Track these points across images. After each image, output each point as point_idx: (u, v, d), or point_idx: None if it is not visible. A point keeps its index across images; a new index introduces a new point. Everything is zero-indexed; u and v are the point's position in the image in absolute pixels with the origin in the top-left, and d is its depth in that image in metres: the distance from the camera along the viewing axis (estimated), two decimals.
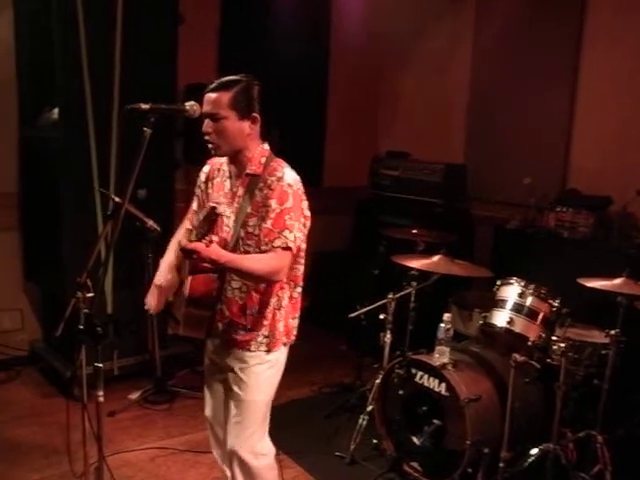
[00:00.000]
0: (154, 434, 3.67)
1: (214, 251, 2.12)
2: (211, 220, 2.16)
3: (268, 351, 2.41)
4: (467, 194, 5.08)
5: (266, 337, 2.40)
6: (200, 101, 2.31)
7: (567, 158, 4.55)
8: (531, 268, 3.49)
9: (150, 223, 2.42)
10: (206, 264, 2.21)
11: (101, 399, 2.19)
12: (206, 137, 2.31)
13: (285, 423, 3.75)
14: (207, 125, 2.28)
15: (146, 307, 2.51)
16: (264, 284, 2.35)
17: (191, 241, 2.12)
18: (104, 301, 4.01)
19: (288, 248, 2.25)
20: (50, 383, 4.17)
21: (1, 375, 4.29)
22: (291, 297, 2.46)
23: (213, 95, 2.27)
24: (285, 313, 2.44)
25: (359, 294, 3.98)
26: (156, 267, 2.56)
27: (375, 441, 3.49)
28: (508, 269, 3.46)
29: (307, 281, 4.71)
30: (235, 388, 2.45)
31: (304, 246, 2.39)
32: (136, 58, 3.90)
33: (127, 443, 3.54)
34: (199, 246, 2.09)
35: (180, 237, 2.50)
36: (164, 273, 2.46)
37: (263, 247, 2.27)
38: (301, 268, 2.46)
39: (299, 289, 2.49)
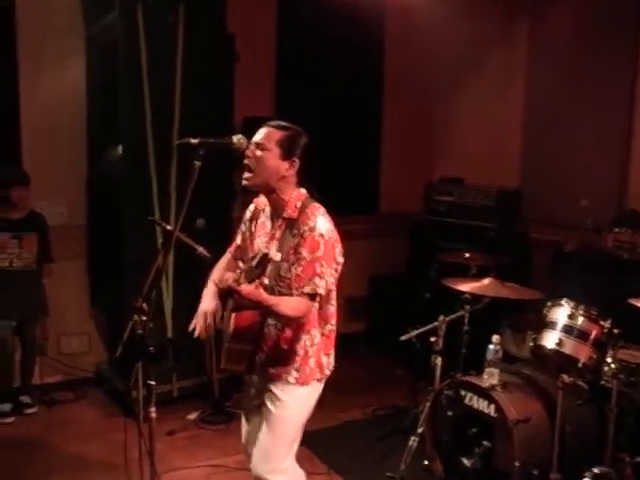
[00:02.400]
0: (210, 453, 3.79)
1: (256, 294, 2.23)
2: (263, 266, 2.27)
3: (300, 385, 2.50)
4: (523, 217, 5.08)
5: (297, 371, 2.50)
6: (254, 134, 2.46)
7: (624, 179, 4.50)
8: (590, 290, 3.46)
9: (200, 250, 2.54)
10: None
11: (153, 415, 2.31)
12: (245, 161, 2.45)
13: (338, 444, 3.83)
14: (251, 150, 2.43)
15: (195, 332, 2.61)
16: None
17: (239, 283, 2.23)
18: (164, 326, 4.19)
19: (317, 294, 2.37)
20: (114, 403, 4.37)
21: (69, 395, 4.53)
22: (322, 334, 2.55)
23: (268, 129, 2.45)
24: (317, 350, 2.53)
25: (413, 318, 4.03)
26: None
27: (425, 462, 3.50)
28: (565, 292, 3.44)
29: (363, 304, 4.76)
30: (269, 405, 2.52)
31: (334, 288, 2.50)
32: (195, 94, 4.13)
33: (183, 461, 3.67)
34: (245, 289, 2.20)
35: (221, 268, 2.67)
36: (209, 300, 2.58)
37: (294, 292, 2.39)
38: (332, 308, 2.56)
39: (329, 327, 2.57)
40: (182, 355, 4.26)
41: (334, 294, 2.53)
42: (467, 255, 4.01)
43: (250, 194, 2.68)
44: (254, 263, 2.33)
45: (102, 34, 4.34)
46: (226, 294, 2.32)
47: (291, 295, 2.40)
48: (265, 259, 2.29)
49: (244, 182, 2.48)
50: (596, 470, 3.00)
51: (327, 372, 2.60)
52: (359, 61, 5.54)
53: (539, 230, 4.98)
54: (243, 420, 2.76)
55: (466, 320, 3.72)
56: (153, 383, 2.32)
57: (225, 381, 4.34)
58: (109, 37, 4.20)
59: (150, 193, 4.07)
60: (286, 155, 2.42)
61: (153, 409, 2.32)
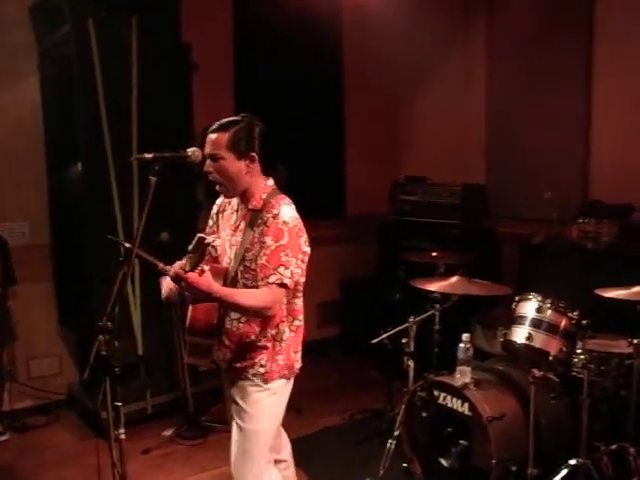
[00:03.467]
0: (187, 469, 3.74)
1: (205, 282, 2.18)
2: (201, 250, 2.19)
3: (265, 381, 2.46)
4: (489, 213, 5.10)
5: (262, 366, 2.45)
6: None
7: (586, 170, 4.55)
8: (558, 282, 3.49)
9: (161, 266, 2.50)
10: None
11: (122, 436, 2.27)
12: (210, 177, 2.43)
13: (317, 451, 3.81)
14: (208, 165, 2.41)
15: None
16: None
17: (185, 270, 2.18)
18: (134, 343, 4.13)
19: (283, 284, 2.31)
20: (87, 425, 4.28)
21: (42, 419, 4.42)
22: (291, 330, 2.51)
23: (213, 136, 2.41)
24: (287, 346, 2.49)
25: (385, 320, 4.02)
26: (181, 307, 2.63)
27: (404, 465, 3.49)
28: (535, 285, 3.46)
29: (336, 308, 4.72)
30: (237, 419, 2.49)
31: (302, 280, 2.45)
32: (153, 107, 4.07)
33: (161, 479, 3.62)
34: (191, 277, 2.15)
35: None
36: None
37: (259, 282, 2.34)
38: (299, 302, 2.52)
39: (297, 322, 2.53)
40: (155, 371, 4.21)
41: (301, 287, 2.49)
42: (434, 254, 4.02)
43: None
44: (190, 247, 2.26)
45: (55, 48, 4.26)
46: (176, 281, 2.23)
47: (257, 287, 2.36)
48: (201, 243, 2.21)
49: (225, 196, 2.51)
50: (572, 462, 3.03)
51: (296, 370, 2.56)
52: (318, 64, 5.54)
53: (506, 225, 5.00)
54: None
55: (437, 319, 3.72)
56: (120, 404, 2.28)
57: (200, 395, 4.31)
58: (62, 51, 4.12)
59: (112, 209, 4.02)
60: (241, 155, 2.40)
61: (122, 430, 2.27)
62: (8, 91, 4.31)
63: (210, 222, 2.69)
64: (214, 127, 2.43)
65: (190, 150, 2.38)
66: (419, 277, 3.70)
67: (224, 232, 2.57)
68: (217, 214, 2.67)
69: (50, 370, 4.62)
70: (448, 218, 4.94)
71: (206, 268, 2.24)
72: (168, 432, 4.12)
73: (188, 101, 4.35)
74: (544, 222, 4.49)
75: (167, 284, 2.50)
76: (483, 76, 5.22)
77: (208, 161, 2.41)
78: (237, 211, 2.54)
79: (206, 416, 4.28)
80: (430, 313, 3.69)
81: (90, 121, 3.95)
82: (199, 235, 2.32)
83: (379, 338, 3.67)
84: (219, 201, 2.67)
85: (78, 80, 3.96)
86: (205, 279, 2.20)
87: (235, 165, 2.40)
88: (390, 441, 3.53)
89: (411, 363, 3.64)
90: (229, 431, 3.97)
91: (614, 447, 3.12)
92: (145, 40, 4.04)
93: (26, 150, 4.43)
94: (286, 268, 2.32)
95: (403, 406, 3.49)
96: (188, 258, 2.20)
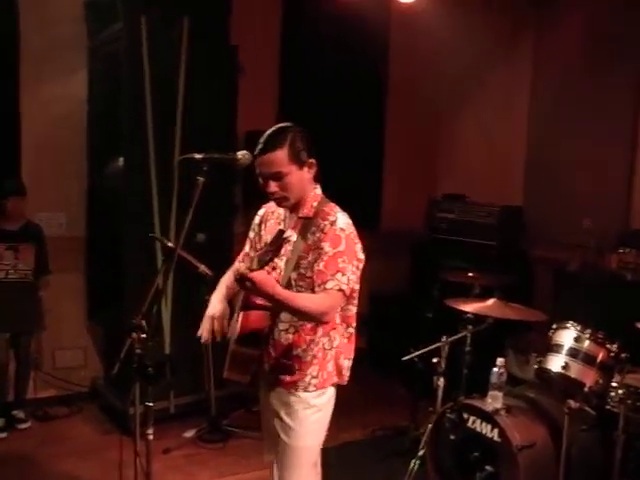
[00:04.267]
0: (206, 473, 3.72)
1: (270, 283, 2.11)
2: (277, 245, 2.13)
3: (317, 390, 2.39)
4: (525, 236, 5.03)
5: (315, 377, 2.39)
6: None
7: (629, 199, 4.46)
8: (592, 311, 3.43)
9: (202, 268, 2.49)
10: (259, 300, 2.24)
11: (150, 437, 2.25)
12: (273, 197, 2.36)
13: (338, 465, 3.72)
14: (272, 186, 2.32)
15: (201, 338, 2.49)
16: (312, 324, 2.36)
17: (251, 270, 2.11)
18: (162, 342, 4.13)
19: (340, 290, 2.26)
20: (109, 420, 4.30)
21: (64, 410, 4.45)
22: (343, 337, 2.45)
23: (269, 156, 2.29)
24: (336, 353, 2.43)
25: (415, 337, 3.97)
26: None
27: None
28: (568, 312, 3.40)
29: (365, 323, 4.73)
30: (282, 434, 2.41)
31: (357, 287, 2.40)
32: (197, 108, 4.10)
33: None
34: (258, 276, 2.07)
35: (231, 275, 2.50)
36: (217, 303, 2.48)
37: (316, 289, 2.28)
38: (354, 309, 2.46)
39: (351, 329, 2.48)
40: (180, 371, 4.20)
41: (357, 294, 2.43)
42: (470, 274, 3.96)
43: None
44: (268, 240, 2.19)
45: (105, 45, 4.31)
46: (239, 282, 2.10)
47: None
48: (280, 237, 2.16)
49: (282, 206, 2.42)
50: None
51: (345, 379, 2.49)
52: (363, 74, 5.52)
53: (541, 249, 4.93)
54: (265, 437, 2.61)
55: (468, 341, 3.66)
56: (151, 404, 2.26)
57: (222, 399, 4.28)
58: (112, 48, 4.17)
59: (151, 208, 4.03)
60: (302, 164, 2.34)
61: (151, 430, 2.26)
62: (56, 82, 4.37)
63: (251, 234, 2.62)
64: (265, 146, 2.31)
65: (240, 153, 2.34)
66: (453, 296, 3.65)
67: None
68: (259, 224, 2.59)
69: (75, 362, 4.65)
70: (484, 239, 4.88)
71: (280, 263, 2.18)
72: (189, 433, 4.11)
73: (234, 104, 4.36)
74: (581, 248, 4.42)
75: (208, 324, 2.44)
76: (527, 98, 5.17)
77: (271, 182, 2.32)
78: (284, 220, 2.48)
79: (227, 420, 4.27)
80: (463, 334, 3.63)
81: (135, 118, 3.97)
82: (279, 228, 2.29)
83: (411, 355, 3.61)
84: (261, 212, 2.61)
85: (126, 77, 3.99)
86: (271, 279, 2.15)
87: (299, 176, 2.34)
88: (414, 461, 3.48)
89: (441, 383, 3.58)
90: (250, 437, 4.01)
91: None
92: (195, 41, 4.08)
93: (69, 143, 4.48)
94: (343, 274, 2.27)
95: (430, 426, 3.43)
96: (257, 256, 2.14)
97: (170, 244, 2.34)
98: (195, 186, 2.23)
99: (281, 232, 2.20)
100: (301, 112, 5.07)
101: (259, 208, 2.64)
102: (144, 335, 2.25)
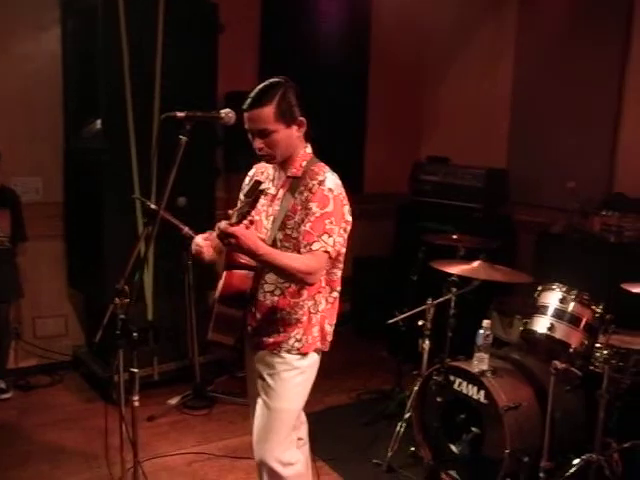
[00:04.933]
0: (192, 439, 3.70)
1: (252, 238, 2.05)
2: (254, 197, 2.06)
3: (300, 354, 2.38)
4: (509, 199, 5.01)
5: (298, 341, 2.37)
6: (239, 108, 2.29)
7: (613, 162, 4.44)
8: (575, 273, 3.41)
9: (185, 230, 2.44)
10: (243, 259, 2.20)
11: (136, 404, 2.21)
12: (259, 153, 2.31)
13: (323, 430, 3.73)
14: (258, 142, 2.28)
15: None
16: (297, 286, 2.32)
17: (231, 224, 2.03)
18: (144, 308, 4.06)
19: (326, 252, 2.22)
20: (91, 388, 4.25)
21: (45, 379, 4.39)
22: (327, 301, 2.43)
23: (256, 111, 2.24)
24: (321, 317, 2.41)
25: (399, 300, 3.95)
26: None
27: (412, 449, 3.46)
28: (551, 274, 3.40)
29: (348, 286, 4.70)
30: (263, 395, 2.41)
31: (344, 251, 2.37)
32: (177, 67, 3.97)
33: (165, 448, 3.57)
34: (239, 230, 2.00)
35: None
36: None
37: (302, 250, 2.24)
38: (339, 273, 2.43)
39: (335, 294, 2.45)
40: (163, 338, 4.16)
41: (342, 258, 2.40)
42: (455, 237, 3.93)
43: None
44: (245, 191, 2.12)
45: (80, 0, 4.14)
46: (221, 238, 2.04)
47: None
48: (256, 188, 2.09)
49: (269, 162, 2.37)
50: (585, 457, 2.98)
51: (327, 343, 2.47)
52: (345, 37, 5.41)
53: (525, 212, 4.92)
54: (251, 402, 2.58)
55: (452, 303, 3.65)
56: (136, 370, 2.22)
57: (207, 365, 4.27)
58: (87, 4, 4.00)
59: (130, 170, 3.92)
60: (290, 122, 2.28)
61: (136, 397, 2.22)
62: (28, 41, 4.20)
63: (241, 195, 2.56)
64: (253, 101, 2.25)
65: (224, 111, 2.27)
66: (438, 259, 3.62)
67: (258, 204, 2.46)
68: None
69: (56, 330, 4.58)
70: (469, 201, 4.84)
71: (257, 218, 2.14)
72: (174, 400, 4.08)
73: (214, 63, 4.24)
74: (564, 212, 4.41)
75: (199, 244, 2.41)
76: (512, 59, 5.09)
77: (257, 139, 2.28)
78: (273, 180, 2.43)
79: (212, 386, 4.25)
80: (448, 297, 3.62)
81: (112, 77, 3.83)
82: (255, 179, 2.21)
83: (396, 318, 3.61)
84: (251, 172, 2.56)
85: (102, 34, 3.84)
86: (252, 233, 2.07)
87: (286, 134, 2.28)
88: (400, 424, 3.49)
89: (426, 346, 3.58)
90: (234, 403, 4.00)
91: (627, 445, 3.06)
92: None
93: (43, 101, 4.32)
94: (330, 236, 2.22)
95: (416, 389, 3.44)
96: (235, 211, 2.07)
97: (153, 206, 2.27)
98: (178, 145, 2.16)
99: (257, 183, 2.12)
100: (283, 74, 4.95)
101: (241, 172, 2.59)
102: (127, 300, 2.21)
